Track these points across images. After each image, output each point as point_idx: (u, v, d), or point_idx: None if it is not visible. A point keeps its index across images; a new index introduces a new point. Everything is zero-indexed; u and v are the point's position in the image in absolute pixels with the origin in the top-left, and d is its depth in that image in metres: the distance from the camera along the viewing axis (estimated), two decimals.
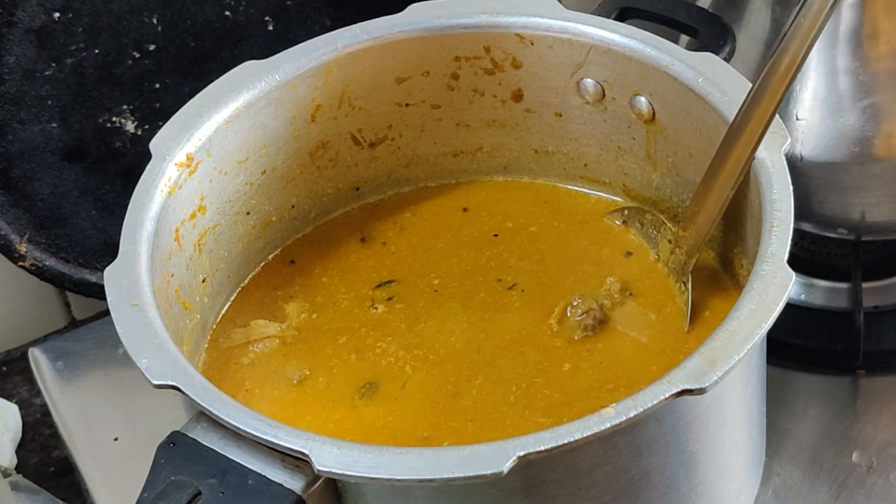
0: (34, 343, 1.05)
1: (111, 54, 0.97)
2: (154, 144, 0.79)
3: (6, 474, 0.94)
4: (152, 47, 0.98)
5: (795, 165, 0.89)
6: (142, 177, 0.78)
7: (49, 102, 0.95)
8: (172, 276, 0.78)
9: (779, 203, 0.71)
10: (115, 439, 0.95)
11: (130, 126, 0.99)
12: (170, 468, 0.65)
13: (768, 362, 0.77)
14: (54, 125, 0.96)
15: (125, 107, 0.98)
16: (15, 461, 0.98)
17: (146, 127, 0.99)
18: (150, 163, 0.78)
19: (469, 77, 0.87)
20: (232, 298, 0.86)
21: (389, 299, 0.85)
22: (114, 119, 0.98)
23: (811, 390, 0.94)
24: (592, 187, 0.91)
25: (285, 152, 0.86)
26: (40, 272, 0.98)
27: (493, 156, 0.92)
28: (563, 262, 0.86)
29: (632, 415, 0.62)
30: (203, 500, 0.64)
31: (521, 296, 0.84)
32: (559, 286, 0.84)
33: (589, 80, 0.85)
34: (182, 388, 0.66)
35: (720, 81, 0.78)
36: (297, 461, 0.64)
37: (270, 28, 1.01)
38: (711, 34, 0.86)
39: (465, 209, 0.91)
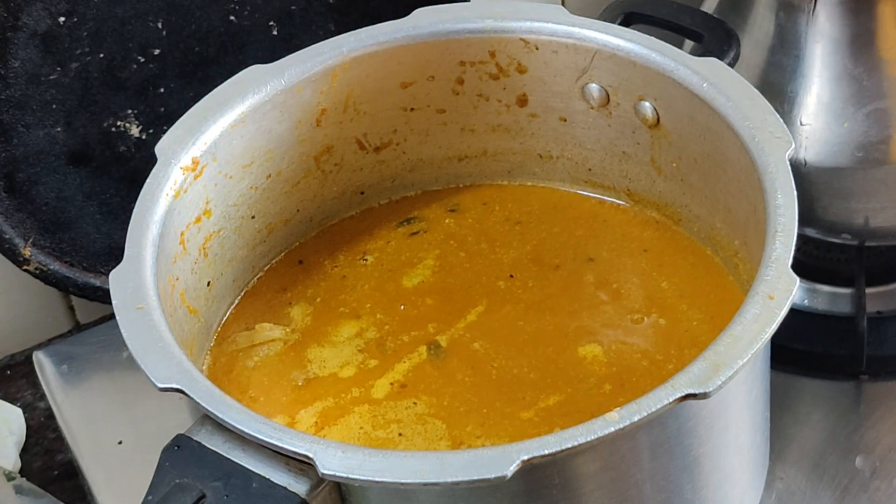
0: (38, 347, 1.05)
1: (116, 59, 0.97)
2: (160, 148, 0.79)
3: (10, 477, 0.94)
4: (157, 52, 0.98)
5: (799, 171, 0.90)
6: (147, 180, 0.78)
7: (54, 106, 0.96)
8: (177, 279, 0.78)
9: (783, 208, 0.71)
10: (120, 443, 0.95)
11: (135, 130, 0.99)
12: (174, 471, 0.65)
13: (772, 367, 0.77)
14: (59, 129, 0.96)
15: (130, 111, 0.98)
16: (19, 464, 0.98)
17: (151, 131, 0.99)
18: (156, 166, 0.79)
19: (474, 82, 0.88)
20: (237, 301, 0.86)
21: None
22: (118, 123, 0.98)
23: (815, 395, 0.94)
24: (597, 192, 0.91)
25: (290, 156, 0.86)
26: (45, 276, 0.98)
27: (498, 160, 0.92)
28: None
29: (636, 419, 0.62)
30: (207, 503, 0.64)
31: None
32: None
33: (594, 84, 0.85)
34: (186, 392, 0.66)
35: (725, 87, 0.78)
36: (301, 464, 0.64)
37: (275, 33, 1.01)
38: (716, 39, 0.86)
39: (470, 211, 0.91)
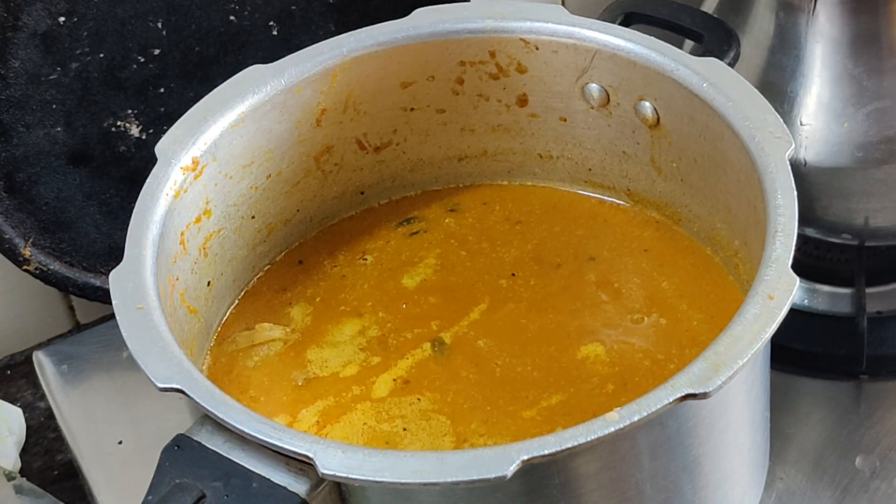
0: (38, 347, 1.05)
1: (116, 59, 0.97)
2: (160, 148, 0.79)
3: (10, 477, 0.94)
4: (157, 52, 0.98)
5: (799, 170, 0.90)
6: (147, 180, 0.78)
7: (54, 107, 0.96)
8: (177, 279, 0.78)
9: (783, 208, 0.71)
10: (120, 443, 0.95)
11: (135, 130, 0.99)
12: (174, 471, 0.65)
13: (772, 367, 0.77)
14: (59, 129, 0.96)
15: (130, 111, 0.98)
16: (19, 464, 0.98)
17: (151, 131, 0.99)
18: (156, 166, 0.79)
19: (474, 82, 0.88)
20: (237, 301, 0.86)
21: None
22: (118, 123, 0.98)
23: (815, 395, 0.94)
24: (597, 191, 0.91)
25: (290, 156, 0.86)
26: (45, 276, 0.98)
27: (498, 160, 0.92)
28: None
29: (636, 419, 0.62)
30: (207, 503, 0.64)
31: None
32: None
33: (594, 84, 0.85)
34: (186, 392, 0.66)
35: (725, 87, 0.78)
36: (301, 464, 0.64)
37: (275, 33, 1.01)
38: (716, 39, 0.86)
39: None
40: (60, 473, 0.99)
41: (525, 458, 0.61)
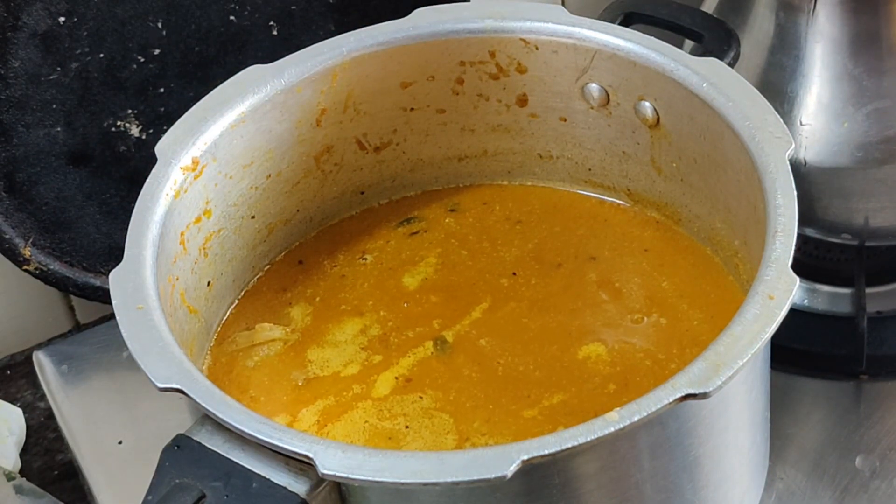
0: (38, 347, 1.05)
1: (116, 59, 0.97)
2: (160, 148, 0.79)
3: (10, 477, 0.94)
4: (157, 52, 0.98)
5: (799, 170, 0.90)
6: (147, 180, 0.78)
7: (54, 106, 0.96)
8: (177, 279, 0.78)
9: (782, 208, 0.71)
10: (120, 443, 0.95)
11: (135, 130, 0.99)
12: (174, 471, 0.65)
13: (772, 367, 0.77)
14: (59, 129, 0.96)
15: (130, 111, 0.98)
16: (19, 465, 0.98)
17: (151, 131, 0.99)
18: (156, 166, 0.79)
19: (474, 82, 0.88)
20: (237, 301, 0.86)
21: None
22: (118, 123, 0.98)
23: (815, 395, 0.94)
24: (597, 191, 0.91)
25: (290, 156, 0.86)
26: (45, 276, 0.98)
27: (498, 160, 0.92)
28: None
29: (636, 419, 0.62)
30: (207, 503, 0.64)
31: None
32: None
33: (594, 84, 0.85)
34: (186, 392, 0.66)
35: (725, 87, 0.78)
36: (301, 464, 0.64)
37: (275, 33, 1.01)
38: (716, 39, 0.86)
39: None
40: (60, 473, 0.99)
41: (525, 458, 0.61)
